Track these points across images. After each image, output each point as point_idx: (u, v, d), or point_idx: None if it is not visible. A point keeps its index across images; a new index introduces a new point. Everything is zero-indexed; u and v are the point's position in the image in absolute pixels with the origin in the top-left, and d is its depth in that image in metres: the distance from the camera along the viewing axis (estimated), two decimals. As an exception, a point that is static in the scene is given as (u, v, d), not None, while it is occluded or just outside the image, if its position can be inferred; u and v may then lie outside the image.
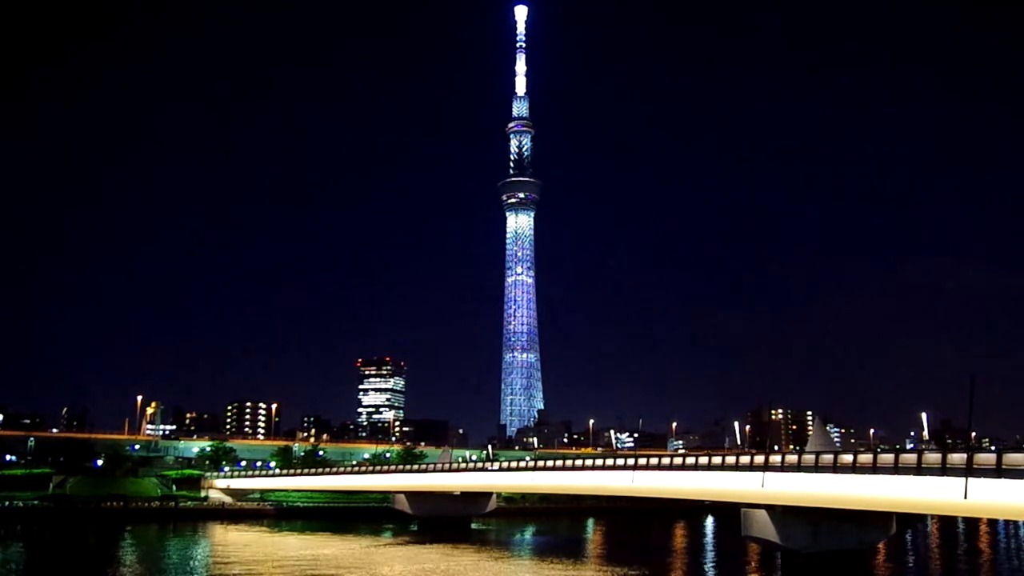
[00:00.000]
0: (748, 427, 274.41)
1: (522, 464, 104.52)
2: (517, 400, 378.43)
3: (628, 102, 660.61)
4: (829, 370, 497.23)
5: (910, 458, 56.50)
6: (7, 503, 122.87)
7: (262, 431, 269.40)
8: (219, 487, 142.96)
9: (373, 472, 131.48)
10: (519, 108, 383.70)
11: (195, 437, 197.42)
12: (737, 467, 70.64)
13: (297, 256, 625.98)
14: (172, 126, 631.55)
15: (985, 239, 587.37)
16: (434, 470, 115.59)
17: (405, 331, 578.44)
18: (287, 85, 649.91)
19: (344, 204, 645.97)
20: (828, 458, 62.84)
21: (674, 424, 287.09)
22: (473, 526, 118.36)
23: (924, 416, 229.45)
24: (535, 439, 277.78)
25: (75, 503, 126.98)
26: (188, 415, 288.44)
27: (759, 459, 69.22)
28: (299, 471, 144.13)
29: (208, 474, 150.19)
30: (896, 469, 55.82)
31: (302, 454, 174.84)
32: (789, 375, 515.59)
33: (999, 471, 48.61)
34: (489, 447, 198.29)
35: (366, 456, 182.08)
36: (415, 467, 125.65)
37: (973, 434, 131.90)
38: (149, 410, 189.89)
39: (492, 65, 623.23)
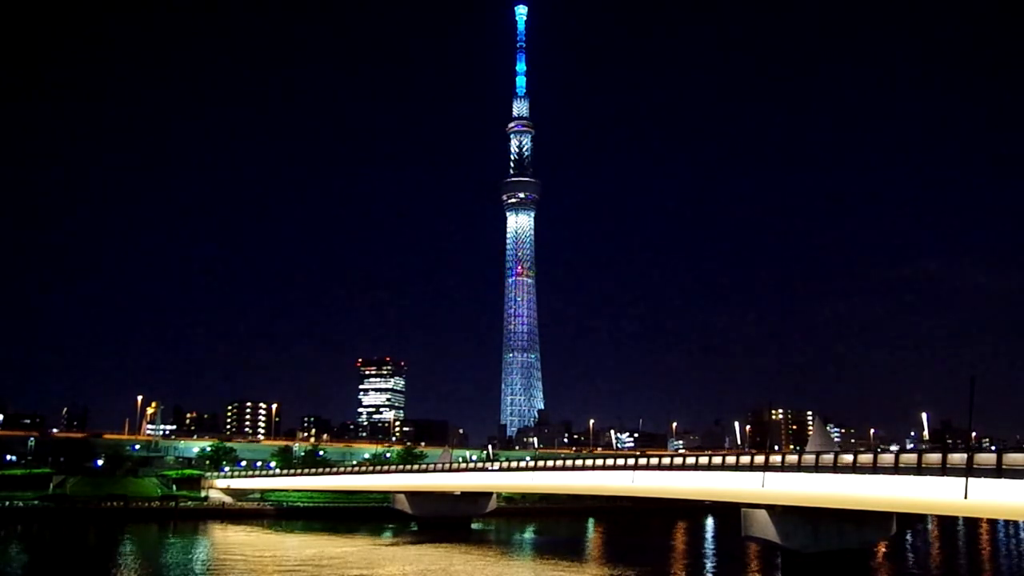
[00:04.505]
0: (748, 427, 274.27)
1: (522, 464, 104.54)
2: (517, 400, 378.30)
3: (628, 102, 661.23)
4: (829, 370, 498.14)
5: (910, 458, 56.55)
6: (7, 503, 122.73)
7: (262, 431, 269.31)
8: (219, 487, 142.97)
9: (373, 472, 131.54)
10: (519, 108, 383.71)
11: (195, 437, 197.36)
12: (737, 467, 70.65)
13: (297, 256, 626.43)
14: (172, 128, 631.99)
15: (985, 239, 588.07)
16: (434, 470, 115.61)
17: (405, 331, 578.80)
18: (286, 85, 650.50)
19: (343, 203, 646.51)
20: (828, 458, 62.87)
21: (674, 424, 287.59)
22: (473, 526, 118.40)
23: (924, 416, 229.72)
24: (535, 439, 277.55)
25: (75, 503, 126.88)
26: (188, 415, 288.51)
27: (759, 459, 69.24)
28: (299, 471, 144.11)
29: (208, 474, 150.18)
30: (896, 469, 55.82)
31: (302, 454, 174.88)
32: (789, 375, 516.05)
33: (999, 471, 48.63)
34: (489, 447, 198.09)
35: (366, 456, 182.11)
36: (415, 467, 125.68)
37: (973, 434, 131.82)
38: (149, 410, 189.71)
39: (492, 65, 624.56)
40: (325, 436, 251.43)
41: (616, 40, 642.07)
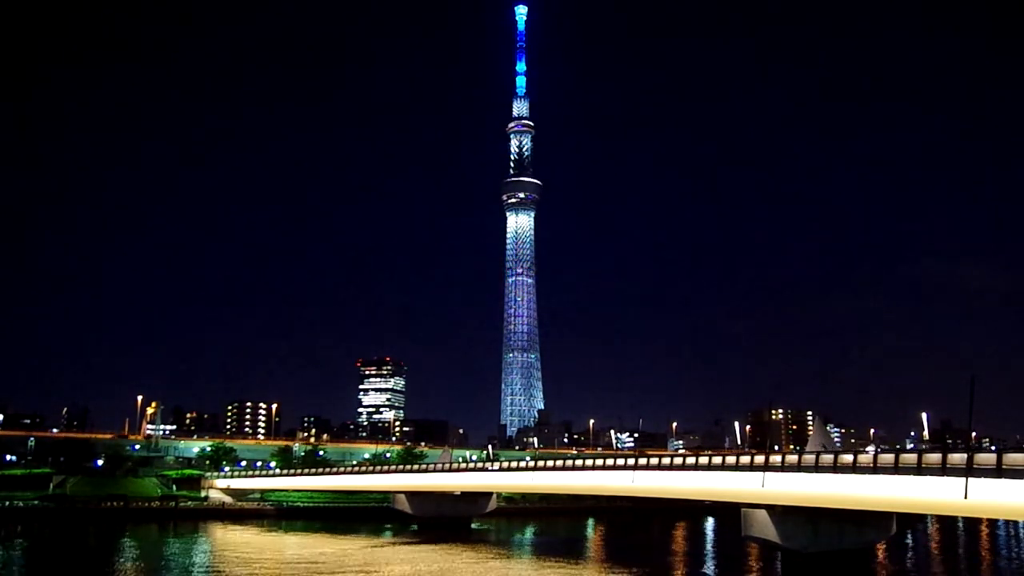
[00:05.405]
0: (748, 427, 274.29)
1: (522, 464, 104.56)
2: (517, 400, 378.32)
3: (628, 102, 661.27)
4: (829, 370, 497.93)
5: (910, 458, 56.53)
6: (7, 503, 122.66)
7: (262, 431, 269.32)
8: (219, 487, 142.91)
9: (373, 472, 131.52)
10: (519, 108, 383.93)
11: (195, 437, 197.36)
12: (737, 467, 70.64)
13: (297, 256, 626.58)
14: (172, 127, 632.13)
15: (985, 239, 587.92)
16: (434, 470, 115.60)
17: (405, 331, 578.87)
18: (287, 85, 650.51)
19: (344, 204, 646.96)
20: (828, 458, 62.86)
21: (674, 424, 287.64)
22: (473, 526, 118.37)
23: (924, 416, 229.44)
24: (535, 439, 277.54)
25: (75, 503, 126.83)
26: (188, 415, 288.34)
27: (759, 459, 69.24)
28: (299, 471, 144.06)
29: (208, 474, 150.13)
30: (896, 469, 55.82)
31: (302, 454, 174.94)
32: (789, 375, 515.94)
33: (999, 471, 48.63)
34: (489, 447, 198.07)
35: (366, 456, 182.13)
36: (415, 467, 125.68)
37: (973, 434, 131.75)
38: (149, 410, 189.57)
39: (492, 65, 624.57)
40: (325, 436, 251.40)
41: (616, 40, 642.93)
